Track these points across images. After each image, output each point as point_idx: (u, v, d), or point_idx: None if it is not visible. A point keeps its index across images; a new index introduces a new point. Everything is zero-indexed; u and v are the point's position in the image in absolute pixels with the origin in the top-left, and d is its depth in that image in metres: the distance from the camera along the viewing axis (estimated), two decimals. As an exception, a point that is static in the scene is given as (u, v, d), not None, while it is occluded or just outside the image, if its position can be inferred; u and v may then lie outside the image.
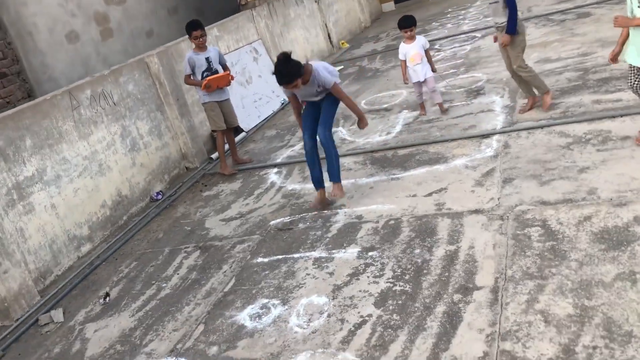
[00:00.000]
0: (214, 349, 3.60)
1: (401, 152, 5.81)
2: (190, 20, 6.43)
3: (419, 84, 6.55)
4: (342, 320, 3.48)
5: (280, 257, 4.48)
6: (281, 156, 6.86)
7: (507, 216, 4.05)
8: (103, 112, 6.07)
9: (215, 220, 5.57)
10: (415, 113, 6.80)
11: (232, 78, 6.42)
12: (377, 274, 3.85)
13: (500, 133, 5.49)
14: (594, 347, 2.70)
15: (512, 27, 5.40)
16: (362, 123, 4.89)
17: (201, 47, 6.31)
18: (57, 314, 4.58)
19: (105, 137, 6.06)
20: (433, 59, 6.86)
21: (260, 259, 4.55)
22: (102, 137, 6.01)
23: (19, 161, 5.05)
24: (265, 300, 3.95)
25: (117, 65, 6.69)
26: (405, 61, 6.52)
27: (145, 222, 6.00)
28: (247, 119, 8.42)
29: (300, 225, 4.89)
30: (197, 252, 5.01)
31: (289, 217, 5.12)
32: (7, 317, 4.62)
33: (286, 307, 3.80)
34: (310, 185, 5.61)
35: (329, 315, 3.57)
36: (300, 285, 4.00)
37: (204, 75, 6.28)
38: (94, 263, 5.33)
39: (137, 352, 3.81)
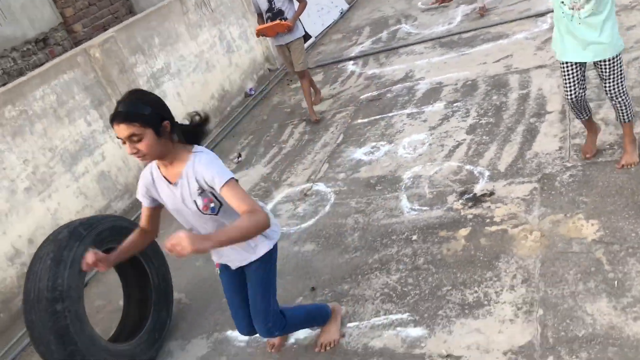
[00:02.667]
0: (341, 175, 4.71)
1: (465, 35, 6.69)
2: None
3: None
4: (442, 146, 4.53)
5: (377, 117, 5.52)
6: (353, 52, 7.80)
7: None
8: (205, 17, 7.06)
9: (310, 101, 6.62)
10: (473, 6, 7.59)
11: (287, 26, 5.58)
12: (464, 115, 4.86)
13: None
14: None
15: None
16: (188, 241, 2.11)
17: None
18: (200, 173, 5.76)
19: (208, 39, 7.07)
20: None
21: (360, 120, 5.60)
22: (206, 39, 7.03)
23: (152, 56, 6.12)
24: (373, 143, 5.03)
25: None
26: None
27: (248, 110, 7.09)
28: (313, 27, 9.31)
29: (388, 95, 5.91)
30: (303, 123, 6.09)
31: (376, 91, 6.13)
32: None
33: (392, 144, 4.87)
34: (389, 68, 6.60)
35: (430, 145, 4.63)
36: (400, 131, 5.05)
37: (267, 17, 5.70)
38: (216, 140, 6.48)
39: (280, 185, 4.96)
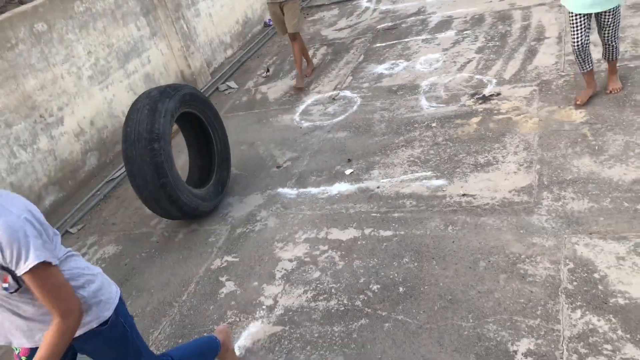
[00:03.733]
0: (365, 85, 5.42)
1: (473, -20, 7.37)
2: None
3: None
4: (454, 62, 5.26)
5: (394, 41, 6.22)
6: (366, -8, 8.42)
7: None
8: (234, -53, 7.60)
9: (328, 31, 7.26)
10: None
11: None
12: (473, 40, 5.59)
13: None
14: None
15: None
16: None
17: None
18: (232, 84, 6.41)
19: (236, -33, 7.63)
20: None
21: (378, 44, 6.29)
22: (234, -33, 7.59)
23: (190, -24, 6.68)
24: (393, 61, 5.73)
25: None
26: None
27: (268, 37, 7.70)
28: (326, -30, 9.86)
29: (403, 25, 6.59)
30: (325, 47, 6.75)
31: (391, 23, 6.81)
32: (195, 85, 6.46)
33: (410, 62, 5.58)
34: (402, 5, 7.26)
35: (444, 61, 5.35)
36: (417, 52, 5.76)
37: None
38: (242, 60, 7.10)
39: (308, 92, 5.64)
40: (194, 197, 3.84)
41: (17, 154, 4.48)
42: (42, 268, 1.79)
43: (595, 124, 3.75)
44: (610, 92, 4.01)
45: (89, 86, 5.16)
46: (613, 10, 3.72)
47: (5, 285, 1.82)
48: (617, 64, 4.07)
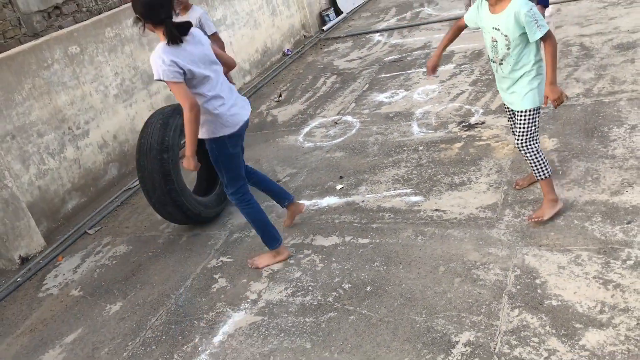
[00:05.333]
0: (366, 111, 5.85)
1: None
2: None
3: None
4: (449, 93, 5.67)
5: (397, 73, 6.66)
6: (380, 26, 8.93)
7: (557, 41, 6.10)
8: (256, -18, 8.21)
9: (340, 61, 7.76)
10: None
11: None
12: (469, 73, 5.99)
13: (555, 3, 7.43)
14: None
15: None
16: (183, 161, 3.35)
17: (185, 7, 4.77)
18: (246, 107, 6.92)
19: (257, 0, 8.21)
20: None
21: (383, 75, 6.74)
22: (255, 0, 8.17)
23: (214, 7, 7.27)
24: (393, 90, 6.17)
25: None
26: None
27: (285, 65, 8.23)
28: (345, 4, 10.44)
29: (408, 58, 7.04)
30: (334, 76, 7.23)
31: (398, 55, 7.27)
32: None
33: (409, 91, 6.01)
34: (411, 39, 7.72)
35: (439, 92, 5.76)
36: (417, 82, 6.19)
37: None
38: (258, 85, 7.63)
39: (314, 116, 6.10)
40: (198, 204, 4.29)
41: (46, 161, 5.01)
42: (170, 83, 3.09)
43: (563, 151, 4.10)
44: (530, 219, 3.43)
45: (114, 103, 5.71)
46: (520, 113, 3.28)
47: None
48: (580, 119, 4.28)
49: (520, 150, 3.37)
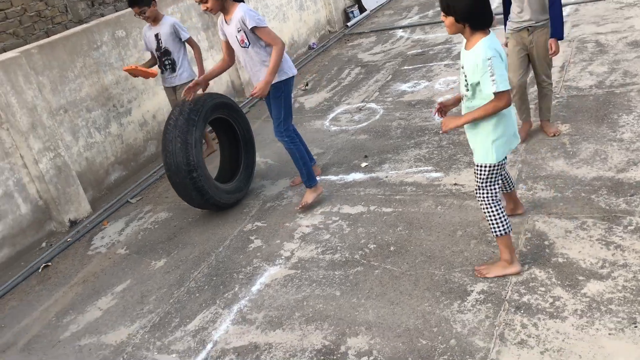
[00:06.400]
0: (389, 99, 6.20)
1: (499, 16, 8.11)
2: None
3: None
4: (468, 84, 6.00)
5: (420, 65, 7.00)
6: (403, 23, 9.27)
7: (573, 39, 6.41)
8: (286, -23, 8.60)
9: (364, 54, 8.12)
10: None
11: (152, 75, 5.14)
12: (488, 66, 6.31)
13: (573, 4, 7.72)
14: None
15: (561, 29, 4.29)
16: (259, 87, 4.01)
17: (154, 19, 5.11)
18: (274, 95, 7.29)
19: (287, -5, 8.61)
20: None
21: (406, 67, 7.09)
22: (285, -5, 8.57)
23: (246, 0, 7.66)
24: (416, 81, 6.51)
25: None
26: None
27: (311, 58, 8.61)
28: (369, 2, 10.80)
29: (430, 52, 7.38)
30: (359, 67, 7.59)
31: (420, 50, 7.61)
32: (243, 96, 7.37)
33: (431, 82, 6.35)
34: (433, 35, 8.06)
35: (459, 83, 6.09)
36: (438, 74, 6.53)
37: (156, 55, 5.27)
38: (285, 75, 8.00)
39: (339, 103, 6.46)
40: (226, 193, 4.56)
41: (93, 135, 5.42)
42: (260, 27, 3.90)
43: (574, 135, 4.42)
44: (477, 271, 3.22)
45: (155, 85, 6.11)
46: (477, 167, 3.04)
47: (245, 41, 3.96)
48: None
49: (478, 201, 3.10)
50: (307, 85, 7.37)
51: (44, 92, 4.95)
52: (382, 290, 3.27)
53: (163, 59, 5.24)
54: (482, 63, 2.71)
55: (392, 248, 3.64)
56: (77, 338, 3.57)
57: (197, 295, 3.68)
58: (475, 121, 2.91)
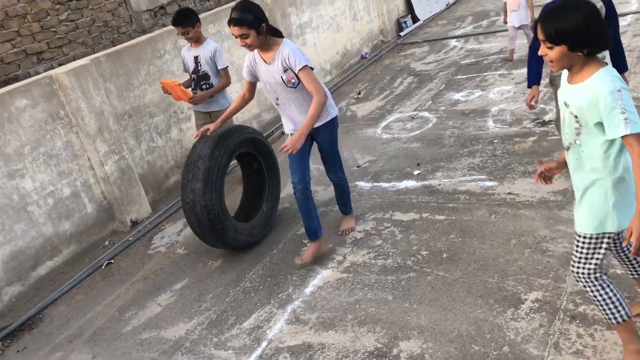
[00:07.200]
0: (442, 108, 6.21)
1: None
2: (177, 11, 5.06)
3: (513, 29, 6.98)
4: (524, 93, 5.94)
5: (474, 74, 6.98)
6: (456, 33, 9.24)
7: (634, 49, 6.25)
8: (341, -12, 8.74)
9: (417, 64, 8.14)
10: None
11: (186, 96, 4.82)
12: (544, 77, 6.22)
13: (634, 13, 7.53)
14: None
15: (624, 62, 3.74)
16: (293, 139, 3.48)
17: (196, 41, 4.95)
18: (327, 103, 7.41)
19: (341, 6, 8.74)
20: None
21: (459, 76, 7.08)
22: (339, 6, 8.70)
23: (302, 10, 7.84)
24: (469, 90, 6.50)
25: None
26: (505, 4, 6.97)
27: (363, 67, 8.70)
28: (422, 12, 10.82)
29: (484, 62, 7.34)
30: (411, 76, 7.62)
31: (474, 59, 7.58)
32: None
33: (485, 91, 6.33)
34: (487, 45, 8.01)
35: (514, 92, 6.05)
36: (492, 84, 6.49)
37: (192, 78, 5.08)
38: (337, 85, 8.12)
39: (392, 112, 6.51)
40: (245, 234, 4.29)
41: (155, 139, 5.66)
42: (307, 68, 3.48)
43: None
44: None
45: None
46: (578, 237, 2.38)
47: (293, 81, 3.55)
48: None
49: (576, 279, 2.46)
50: (359, 93, 7.46)
51: (111, 97, 5.22)
52: (434, 296, 3.30)
53: (200, 83, 5.02)
54: (607, 98, 2.06)
55: (444, 255, 3.66)
56: (138, 332, 3.74)
57: (252, 295, 3.79)
58: (596, 174, 2.24)
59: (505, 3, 7.01)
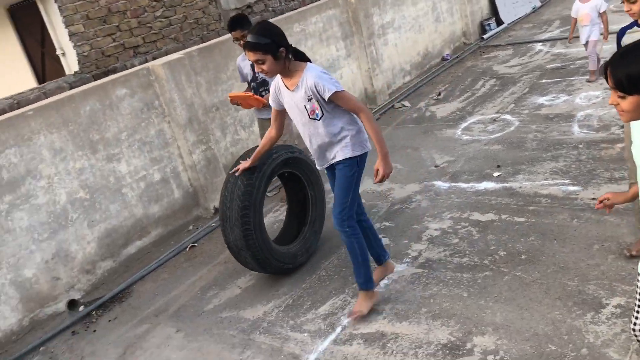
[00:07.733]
0: (525, 111, 6.09)
1: None
2: (232, 17, 4.86)
3: (587, 45, 6.46)
4: (613, 99, 5.73)
5: (559, 79, 6.79)
6: (542, 36, 9.00)
7: None
8: (424, -11, 8.73)
9: (500, 67, 8.01)
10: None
11: (263, 103, 4.67)
12: (636, 82, 5.99)
13: None
14: None
15: None
16: (382, 166, 3.17)
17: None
18: (406, 103, 7.44)
19: (424, 7, 8.73)
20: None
21: (544, 80, 6.91)
22: (422, 7, 8.70)
23: (384, 11, 7.91)
24: (555, 94, 6.34)
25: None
26: (575, 19, 6.49)
27: (444, 68, 8.65)
28: (507, 15, 10.61)
29: (571, 67, 7.13)
30: (494, 79, 7.51)
31: (560, 63, 7.37)
32: (374, 103, 7.60)
33: (571, 96, 6.15)
34: (575, 49, 7.77)
35: (603, 98, 5.85)
36: (579, 88, 6.30)
37: (252, 86, 4.97)
38: (417, 85, 8.12)
39: (472, 113, 6.46)
40: (286, 257, 4.11)
41: (238, 132, 5.91)
42: (340, 92, 3.05)
43: None
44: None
45: (295, 89, 6.51)
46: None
47: (317, 112, 3.12)
48: None
49: None
50: (439, 94, 7.43)
51: (200, 90, 5.50)
52: (511, 295, 3.29)
53: (260, 90, 4.88)
54: None
55: (523, 256, 3.62)
56: (218, 310, 3.95)
57: (327, 283, 3.91)
58: None
59: (574, 19, 6.42)
